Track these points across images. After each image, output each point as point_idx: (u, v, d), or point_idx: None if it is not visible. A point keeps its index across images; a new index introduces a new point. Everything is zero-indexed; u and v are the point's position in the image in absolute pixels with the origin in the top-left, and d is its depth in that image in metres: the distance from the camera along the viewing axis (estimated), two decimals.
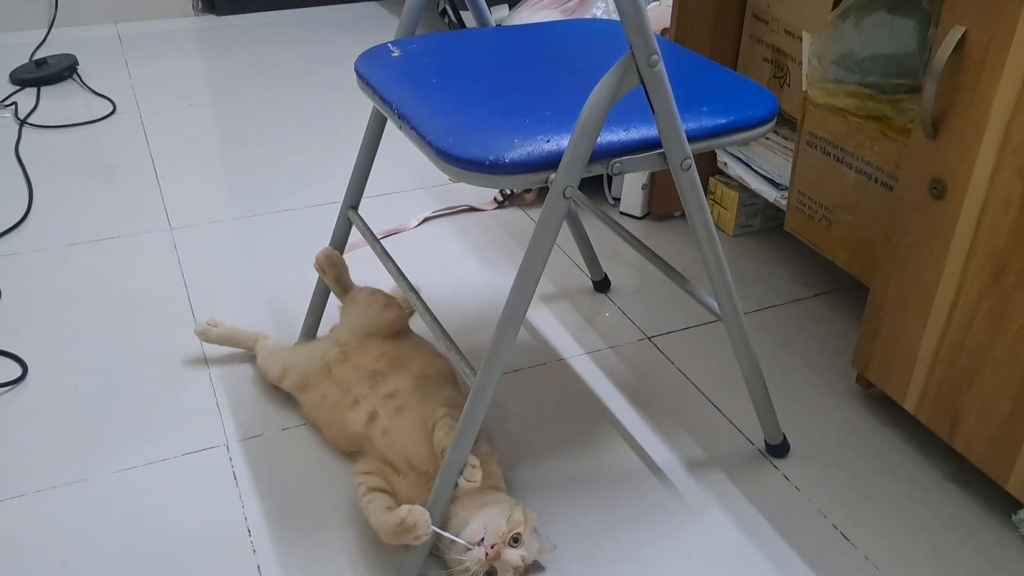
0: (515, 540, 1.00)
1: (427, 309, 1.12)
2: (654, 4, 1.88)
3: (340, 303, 1.32)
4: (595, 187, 1.89)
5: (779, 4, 1.55)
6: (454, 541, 0.99)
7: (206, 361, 1.40)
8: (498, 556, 0.98)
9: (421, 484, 1.06)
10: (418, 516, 0.98)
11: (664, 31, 1.68)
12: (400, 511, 0.98)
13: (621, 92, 0.88)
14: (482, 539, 0.98)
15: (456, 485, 1.00)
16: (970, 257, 1.05)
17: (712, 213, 1.65)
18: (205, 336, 1.38)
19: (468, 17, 2.44)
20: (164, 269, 1.63)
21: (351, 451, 1.19)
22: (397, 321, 1.26)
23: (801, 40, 1.51)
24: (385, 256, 1.19)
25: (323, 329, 1.41)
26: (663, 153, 0.95)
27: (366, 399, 1.15)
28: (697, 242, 1.04)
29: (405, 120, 1.00)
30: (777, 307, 1.56)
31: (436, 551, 1.04)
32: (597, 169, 0.94)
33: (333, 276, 1.30)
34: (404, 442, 1.08)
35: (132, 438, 1.25)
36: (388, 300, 1.28)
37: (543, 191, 1.90)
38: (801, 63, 1.53)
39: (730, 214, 1.75)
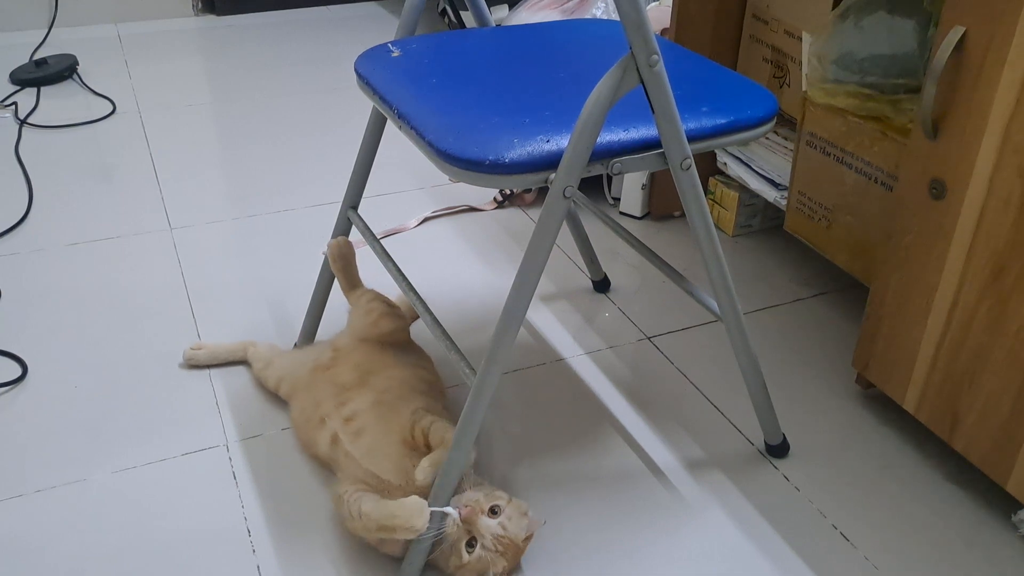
0: (493, 511, 0.99)
1: (427, 309, 1.12)
2: (654, 4, 1.88)
3: (347, 299, 1.31)
4: (595, 187, 1.89)
5: (779, 4, 1.55)
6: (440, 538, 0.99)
7: None
8: (474, 518, 0.97)
9: (400, 495, 1.05)
10: (413, 510, 0.96)
11: (664, 31, 1.68)
12: (395, 503, 0.97)
13: (621, 92, 0.88)
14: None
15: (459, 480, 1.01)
16: (970, 257, 1.05)
17: (712, 213, 1.65)
18: (194, 361, 1.38)
19: (468, 17, 2.44)
20: (164, 269, 1.63)
21: (325, 467, 1.18)
22: (395, 332, 1.24)
23: (801, 40, 1.51)
24: (385, 256, 1.19)
25: (323, 329, 1.41)
26: (663, 153, 0.95)
27: (330, 419, 1.14)
28: (697, 242, 1.04)
29: (405, 120, 1.00)
30: (777, 307, 1.56)
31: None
32: (597, 169, 0.94)
33: (341, 266, 1.28)
34: (370, 462, 1.07)
35: (132, 438, 1.25)
36: (388, 309, 1.25)
37: (543, 191, 1.90)
38: (801, 63, 1.53)
39: (730, 214, 1.75)
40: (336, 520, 1.13)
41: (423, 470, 1.00)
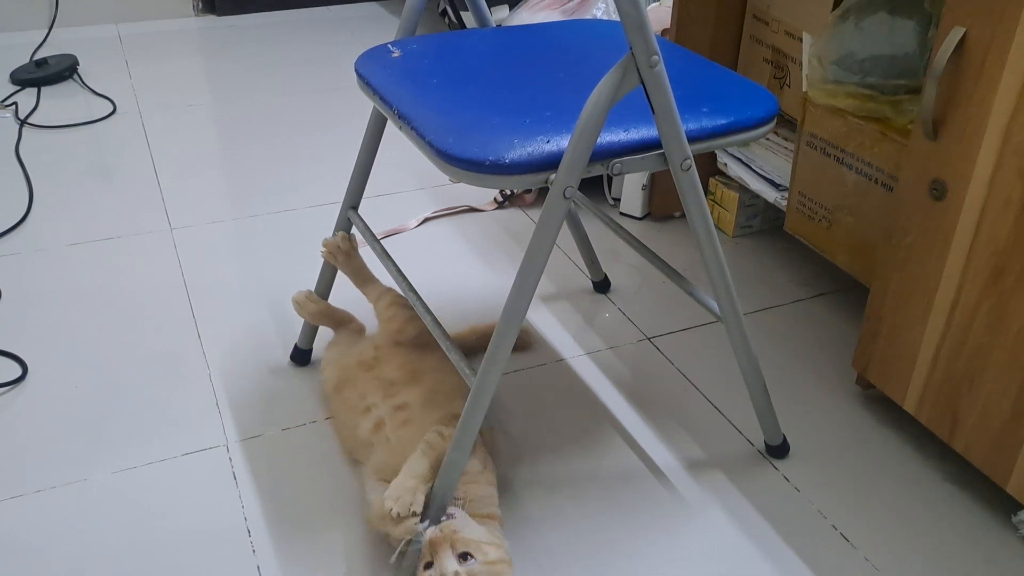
0: (463, 557, 0.94)
1: (427, 309, 1.12)
2: (654, 4, 1.88)
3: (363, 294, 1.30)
4: (595, 187, 1.89)
5: (779, 5, 1.55)
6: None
7: (206, 361, 1.40)
8: (437, 548, 0.93)
9: None
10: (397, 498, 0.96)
11: (664, 31, 1.68)
12: (385, 499, 0.97)
13: (621, 93, 0.88)
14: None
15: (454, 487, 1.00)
16: (970, 258, 1.05)
17: (712, 214, 1.65)
18: (302, 311, 1.31)
19: (468, 17, 2.44)
20: (164, 269, 1.63)
21: (355, 457, 1.18)
22: (423, 335, 1.23)
23: (801, 41, 1.51)
24: (385, 256, 1.19)
25: (323, 329, 1.40)
26: (663, 154, 0.95)
27: (376, 408, 1.14)
28: (697, 243, 1.04)
29: (405, 120, 1.00)
30: (777, 308, 1.56)
31: None
32: (597, 169, 0.94)
33: (343, 261, 1.27)
34: (404, 454, 1.06)
35: (132, 438, 1.25)
36: (410, 313, 1.23)
37: (543, 191, 1.90)
38: (801, 64, 1.53)
39: (730, 215, 1.75)
40: (346, 517, 1.13)
41: (389, 499, 0.98)
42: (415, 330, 1.22)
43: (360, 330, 1.32)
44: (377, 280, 1.29)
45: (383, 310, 1.25)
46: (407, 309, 1.24)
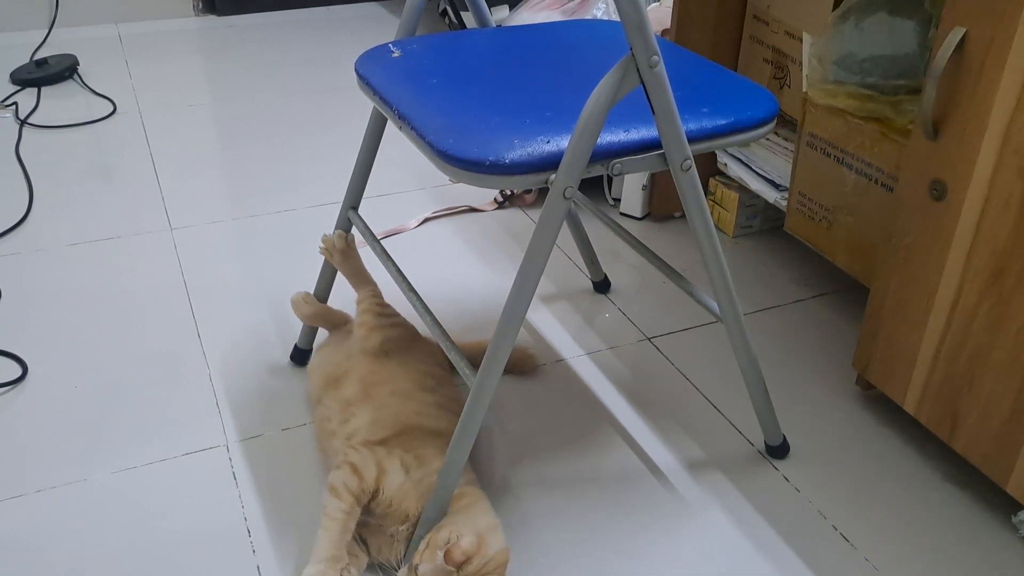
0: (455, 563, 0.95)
1: (427, 309, 1.12)
2: (654, 5, 1.88)
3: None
4: (595, 188, 1.89)
5: (779, 5, 1.55)
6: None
7: (206, 361, 1.40)
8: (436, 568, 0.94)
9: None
10: None
11: (664, 32, 1.68)
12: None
13: (621, 93, 0.88)
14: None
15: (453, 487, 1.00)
16: (970, 258, 1.05)
17: (712, 214, 1.65)
18: (299, 312, 1.31)
19: (468, 18, 2.44)
20: (164, 269, 1.63)
21: None
22: (386, 343, 1.21)
23: (801, 41, 1.51)
24: (385, 256, 1.19)
25: (323, 330, 1.41)
26: (663, 154, 0.95)
27: (335, 436, 1.13)
28: (697, 243, 1.04)
29: (405, 120, 1.00)
30: (777, 308, 1.56)
31: None
32: (597, 170, 0.94)
33: (339, 260, 1.26)
34: None
35: (132, 438, 1.25)
36: (377, 321, 1.22)
37: (543, 191, 1.90)
38: (801, 64, 1.53)
39: (730, 215, 1.75)
40: None
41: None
42: (378, 339, 1.21)
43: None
44: (371, 283, 1.28)
45: (358, 315, 1.25)
46: (378, 317, 1.23)
